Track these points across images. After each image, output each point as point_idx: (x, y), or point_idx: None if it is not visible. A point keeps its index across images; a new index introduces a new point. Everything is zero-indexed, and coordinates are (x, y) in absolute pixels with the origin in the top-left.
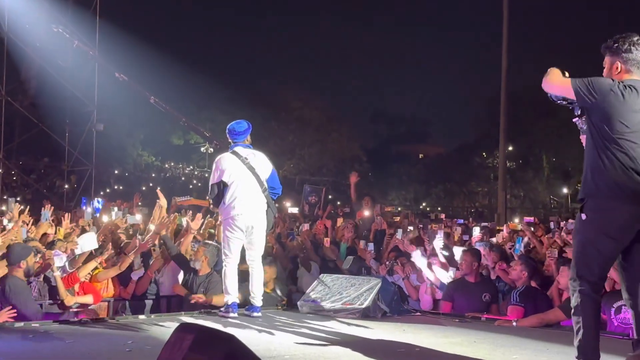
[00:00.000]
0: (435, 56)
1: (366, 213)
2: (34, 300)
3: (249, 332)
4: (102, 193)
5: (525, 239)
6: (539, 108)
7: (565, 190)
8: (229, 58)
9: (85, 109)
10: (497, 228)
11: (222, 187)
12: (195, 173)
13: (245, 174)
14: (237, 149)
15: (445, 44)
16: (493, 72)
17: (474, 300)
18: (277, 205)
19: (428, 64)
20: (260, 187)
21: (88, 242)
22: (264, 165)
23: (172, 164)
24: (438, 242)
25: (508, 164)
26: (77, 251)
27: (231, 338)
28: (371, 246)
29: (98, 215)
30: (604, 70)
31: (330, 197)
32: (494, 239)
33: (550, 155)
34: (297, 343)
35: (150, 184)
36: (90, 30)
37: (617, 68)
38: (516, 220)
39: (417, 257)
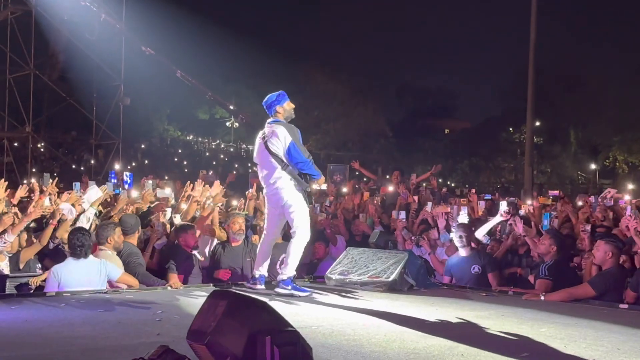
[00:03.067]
0: (462, 29)
1: (390, 188)
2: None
3: (276, 302)
4: (128, 167)
5: (557, 213)
6: (567, 82)
7: (593, 166)
8: (256, 32)
9: (112, 82)
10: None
11: None
12: (222, 146)
13: (264, 155)
14: (265, 127)
15: (472, 15)
16: (521, 45)
17: (465, 273)
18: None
19: (455, 36)
20: (280, 164)
21: (93, 193)
22: (280, 141)
23: (199, 139)
24: (462, 217)
25: (535, 139)
26: (85, 205)
27: (264, 305)
28: (402, 214)
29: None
30: None
31: (356, 172)
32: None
33: (578, 130)
34: (324, 314)
35: (176, 159)
36: (117, 3)
37: None
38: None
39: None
